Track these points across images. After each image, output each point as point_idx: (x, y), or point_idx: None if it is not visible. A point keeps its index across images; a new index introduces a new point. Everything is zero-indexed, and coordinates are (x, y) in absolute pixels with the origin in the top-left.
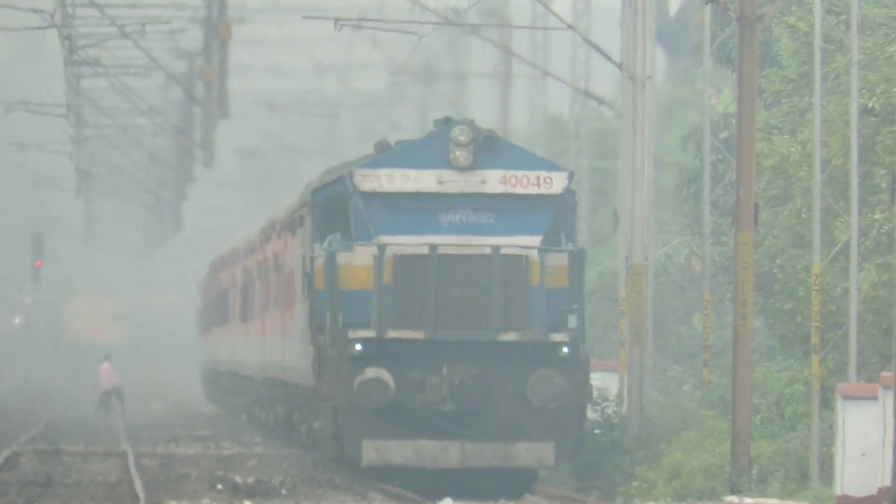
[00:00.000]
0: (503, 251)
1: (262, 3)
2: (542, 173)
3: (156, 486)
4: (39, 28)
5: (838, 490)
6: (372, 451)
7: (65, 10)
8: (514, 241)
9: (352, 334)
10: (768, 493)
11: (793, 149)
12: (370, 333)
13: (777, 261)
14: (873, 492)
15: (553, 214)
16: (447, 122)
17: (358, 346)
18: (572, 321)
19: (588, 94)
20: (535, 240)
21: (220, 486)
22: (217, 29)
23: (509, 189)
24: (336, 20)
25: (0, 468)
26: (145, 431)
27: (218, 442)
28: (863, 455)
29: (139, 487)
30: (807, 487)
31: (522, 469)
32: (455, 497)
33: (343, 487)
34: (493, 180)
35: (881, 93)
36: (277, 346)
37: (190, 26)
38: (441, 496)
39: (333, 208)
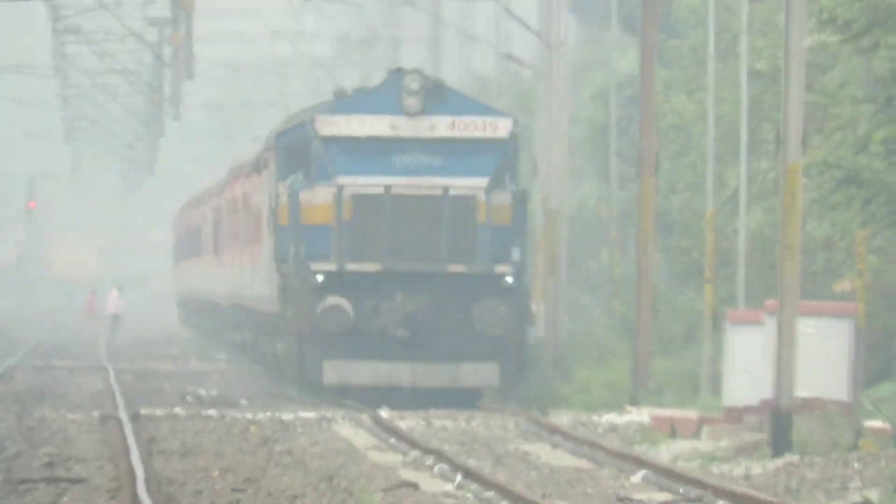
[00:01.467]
0: (452, 191)
1: None
2: (489, 119)
3: (133, 397)
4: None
5: (725, 401)
6: (332, 372)
7: None
8: (462, 183)
9: (314, 266)
10: (664, 403)
11: (690, 107)
12: (331, 266)
13: (675, 204)
14: (755, 403)
15: (499, 157)
16: (399, 72)
17: (319, 277)
18: (515, 254)
19: (510, 56)
20: (482, 181)
21: (188, 398)
22: (182, 0)
23: (457, 133)
24: None
25: (1, 380)
26: (124, 350)
27: (187, 360)
28: (747, 372)
29: (120, 397)
30: (698, 399)
31: (468, 390)
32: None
33: (296, 399)
34: (443, 125)
35: (768, 56)
36: (245, 276)
37: None
38: (404, 415)
39: (296, 151)
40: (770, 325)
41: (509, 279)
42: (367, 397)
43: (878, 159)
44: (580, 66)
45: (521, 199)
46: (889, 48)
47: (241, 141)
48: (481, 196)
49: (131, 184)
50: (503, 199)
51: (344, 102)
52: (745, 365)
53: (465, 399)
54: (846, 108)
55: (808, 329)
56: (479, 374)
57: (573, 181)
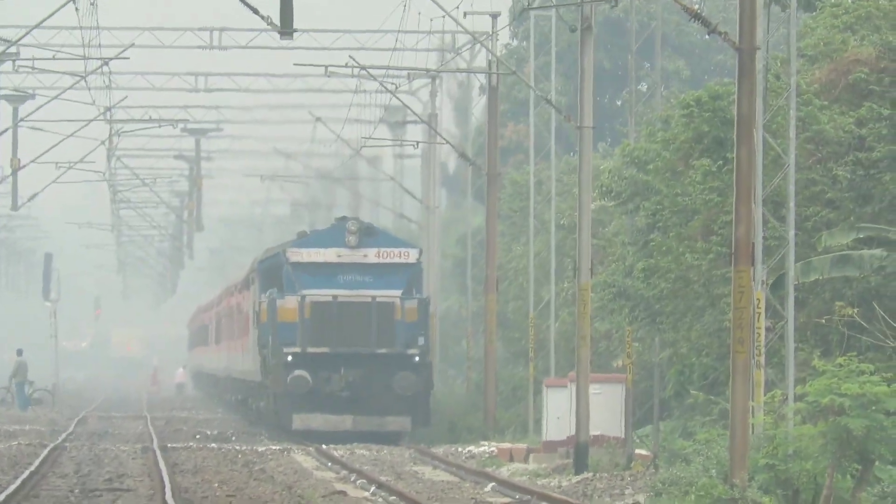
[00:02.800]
0: (378, 299)
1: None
2: (403, 249)
3: (163, 435)
4: (97, 181)
5: (544, 437)
6: (298, 421)
7: (111, 168)
8: (385, 293)
9: (285, 349)
10: (504, 439)
11: (518, 248)
12: (297, 349)
13: (510, 309)
14: (564, 438)
15: (409, 275)
16: (343, 219)
17: (289, 357)
18: (420, 341)
19: (402, 215)
20: (398, 292)
21: (197, 436)
22: (196, 181)
23: (382, 260)
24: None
25: (77, 424)
26: (156, 405)
27: (197, 411)
28: (558, 418)
29: (154, 435)
30: (526, 436)
31: (391, 433)
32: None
33: (269, 437)
34: (372, 254)
35: (568, 215)
36: (237, 357)
37: (181, 179)
38: (338, 448)
39: (272, 272)
40: (572, 388)
41: (417, 358)
42: (322, 438)
43: (639, 281)
44: (448, 221)
45: (424, 304)
46: (645, 210)
47: (231, 271)
48: (398, 302)
49: (160, 299)
50: (412, 304)
51: (305, 239)
52: (557, 413)
53: (389, 439)
54: (618, 249)
55: (596, 390)
56: (398, 422)
57: (443, 293)
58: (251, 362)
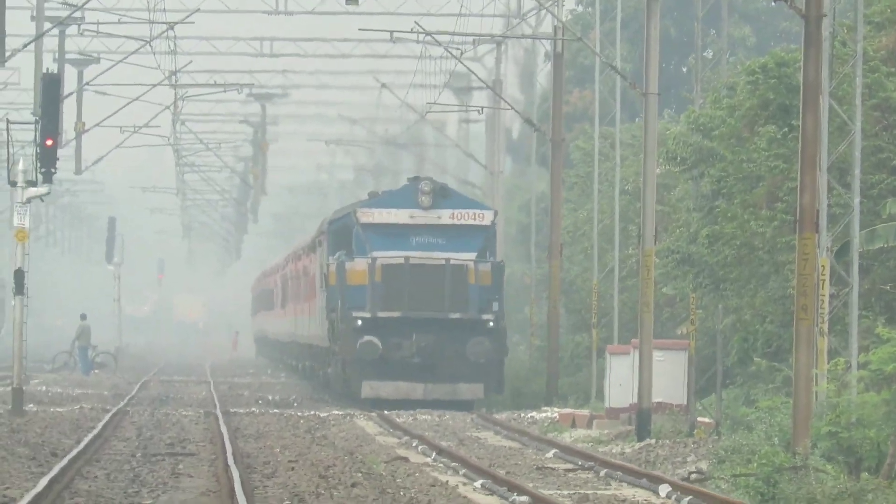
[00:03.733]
0: (451, 262)
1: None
2: (477, 211)
3: (225, 400)
4: (161, 145)
5: (607, 404)
6: (368, 388)
7: (175, 132)
8: (459, 256)
9: (355, 314)
10: (567, 405)
11: (582, 215)
12: (367, 314)
13: (572, 276)
14: (626, 405)
15: (483, 238)
16: (416, 179)
17: (359, 322)
18: (495, 306)
19: (466, 181)
20: (472, 255)
21: (260, 401)
22: (261, 146)
23: (456, 221)
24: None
25: (139, 389)
26: (220, 370)
27: (259, 377)
28: (620, 385)
29: (217, 400)
30: (589, 403)
31: (463, 401)
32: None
33: (329, 402)
34: (445, 216)
35: (632, 181)
36: (303, 321)
37: (245, 143)
38: (400, 414)
39: (342, 234)
40: (634, 354)
41: (491, 323)
42: (391, 407)
43: (703, 248)
44: (512, 187)
45: (498, 267)
46: (710, 176)
47: (292, 238)
48: (472, 265)
49: (225, 264)
50: (486, 267)
51: (376, 200)
52: (619, 380)
53: (460, 407)
54: (683, 215)
55: (659, 358)
56: (471, 391)
57: (507, 260)
58: (318, 327)
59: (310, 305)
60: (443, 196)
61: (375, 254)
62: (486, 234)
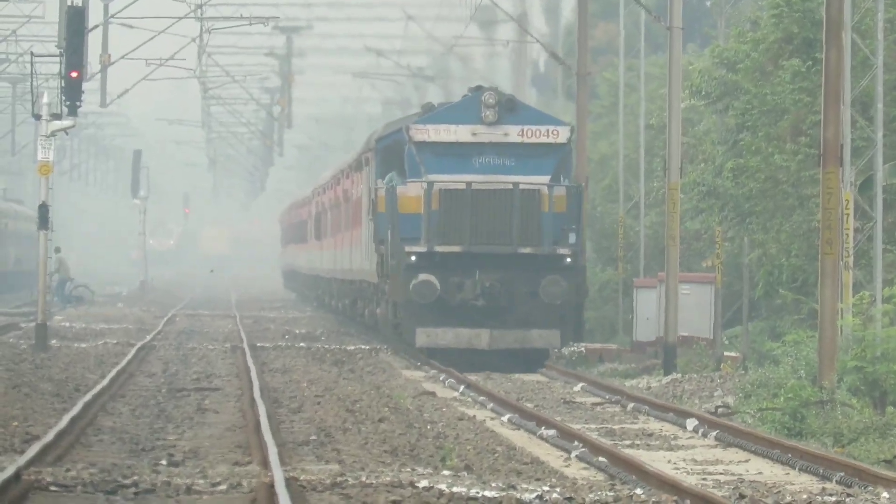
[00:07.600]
0: (521, 187)
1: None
2: (551, 127)
3: (252, 334)
4: (187, 78)
5: (634, 338)
6: (423, 336)
7: (201, 65)
8: (529, 179)
9: (408, 248)
10: (594, 340)
11: (607, 150)
12: (422, 248)
13: (598, 210)
14: (653, 339)
15: (558, 158)
16: (479, 89)
17: (413, 258)
18: (572, 238)
19: None
20: (545, 178)
21: (286, 336)
22: (287, 78)
23: (525, 139)
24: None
25: (165, 324)
26: (246, 304)
27: (286, 310)
28: (647, 319)
29: (243, 334)
30: (616, 337)
31: (536, 351)
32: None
33: (355, 336)
34: (514, 133)
35: (657, 115)
36: (345, 254)
37: (271, 76)
38: (472, 372)
39: (392, 152)
40: (660, 288)
41: (568, 259)
42: (451, 358)
43: (728, 181)
44: None
45: (576, 192)
46: (734, 109)
47: (322, 169)
48: (545, 190)
49: (250, 196)
50: (562, 192)
51: (432, 115)
52: (646, 314)
53: (531, 361)
54: (708, 148)
55: (685, 291)
56: (545, 338)
57: None
58: (363, 260)
59: (352, 235)
60: (510, 109)
61: (432, 177)
62: (561, 153)
